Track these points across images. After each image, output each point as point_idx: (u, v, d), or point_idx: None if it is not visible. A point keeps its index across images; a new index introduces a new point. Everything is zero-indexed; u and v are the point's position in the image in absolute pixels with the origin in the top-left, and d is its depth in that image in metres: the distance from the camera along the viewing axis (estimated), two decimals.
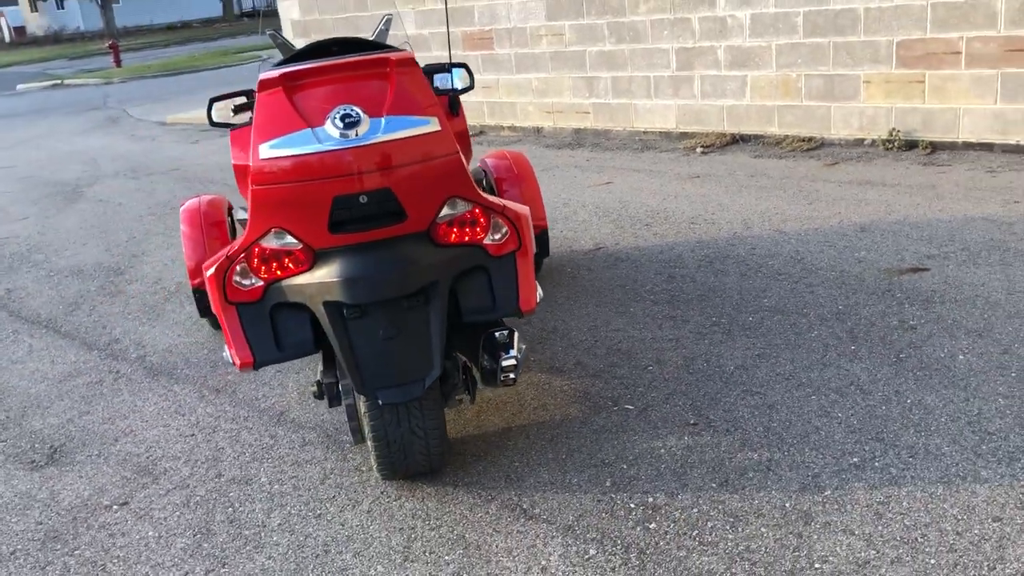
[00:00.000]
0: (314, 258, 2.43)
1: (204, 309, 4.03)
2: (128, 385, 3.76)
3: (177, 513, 2.76)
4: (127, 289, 5.05)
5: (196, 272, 3.94)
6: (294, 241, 2.42)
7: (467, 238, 2.56)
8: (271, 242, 2.47)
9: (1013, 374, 2.91)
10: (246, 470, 2.96)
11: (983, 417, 2.68)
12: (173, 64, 22.82)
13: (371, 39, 3.87)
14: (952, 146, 5.81)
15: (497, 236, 2.62)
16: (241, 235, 2.60)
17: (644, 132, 7.35)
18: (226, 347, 2.61)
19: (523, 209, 2.66)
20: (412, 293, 2.44)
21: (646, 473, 2.63)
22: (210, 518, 2.71)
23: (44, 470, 3.13)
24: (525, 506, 2.55)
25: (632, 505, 2.49)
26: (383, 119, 2.32)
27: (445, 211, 2.49)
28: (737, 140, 6.77)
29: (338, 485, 2.80)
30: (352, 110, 2.31)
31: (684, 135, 7.07)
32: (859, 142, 6.21)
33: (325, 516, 2.64)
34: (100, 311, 4.73)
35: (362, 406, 2.52)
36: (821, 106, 6.31)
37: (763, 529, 2.31)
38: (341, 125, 2.29)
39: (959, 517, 2.25)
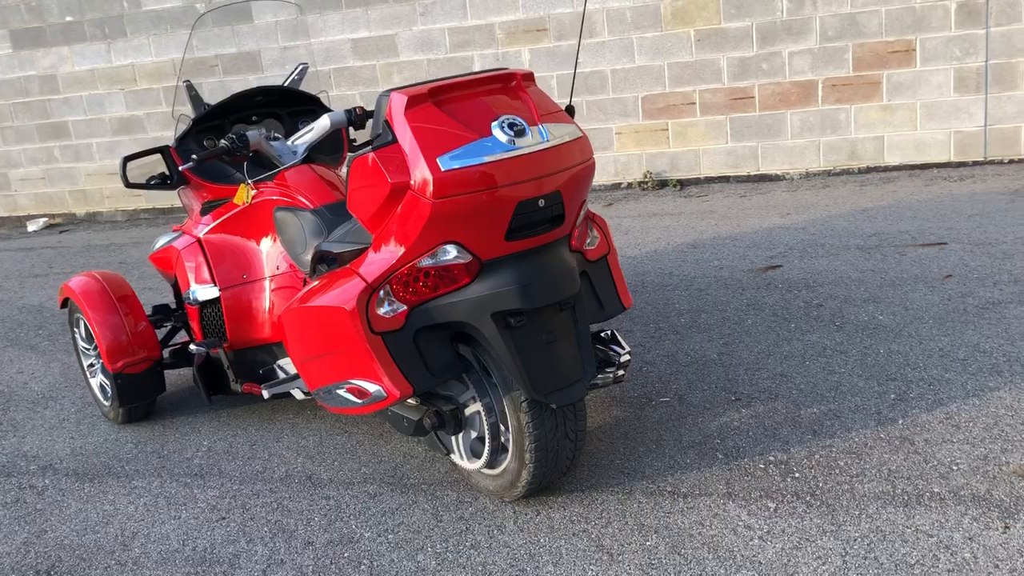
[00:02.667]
0: (479, 270, 2.40)
1: (130, 395, 3.53)
2: (68, 495, 3.17)
3: None
4: None
5: (117, 355, 3.46)
6: (456, 256, 2.38)
7: (576, 243, 2.69)
8: (425, 261, 2.40)
9: (930, 321, 3.66)
10: (336, 532, 2.71)
11: (946, 351, 3.36)
12: None
13: (285, 87, 3.77)
14: (697, 181, 6.85)
15: (588, 241, 2.78)
16: (366, 259, 2.47)
17: None
18: (353, 385, 2.45)
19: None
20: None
21: (744, 441, 2.91)
22: None
23: None
24: (670, 488, 2.70)
25: (762, 465, 2.76)
26: (540, 126, 2.40)
27: (580, 215, 2.61)
28: None
29: (460, 517, 2.70)
30: (515, 119, 2.37)
31: None
32: (617, 186, 7.05)
33: (482, 545, 2.55)
34: None
35: (523, 417, 2.50)
36: None
37: (886, 455, 2.71)
38: (511, 132, 2.33)
39: (1013, 414, 2.85)
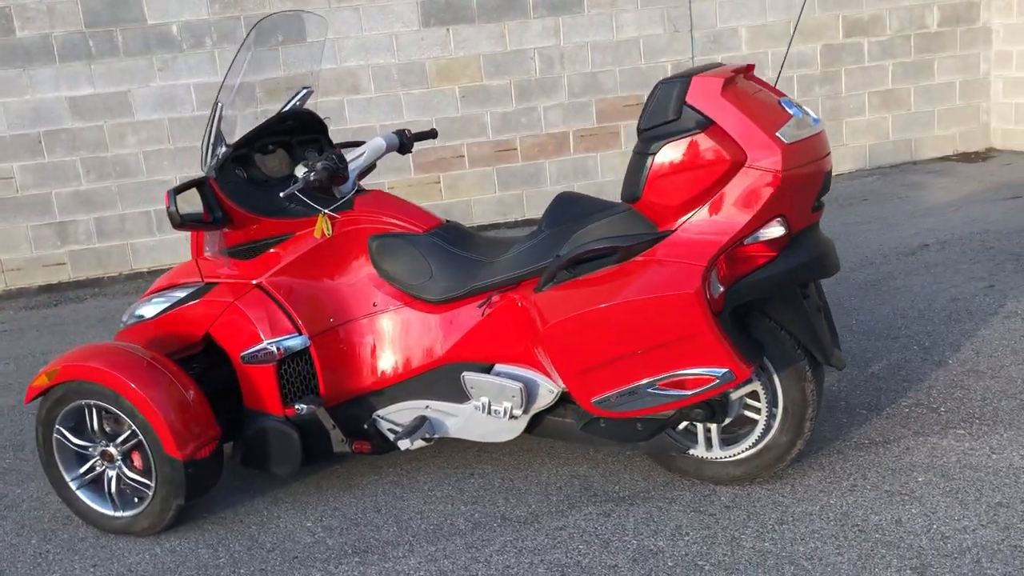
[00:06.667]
0: (787, 244, 2.50)
1: (200, 485, 2.83)
2: None
3: None
4: None
5: (185, 438, 2.78)
6: (777, 230, 2.45)
7: None
8: (747, 239, 2.44)
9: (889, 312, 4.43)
10: (623, 553, 2.54)
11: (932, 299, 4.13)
12: None
13: (289, 111, 3.41)
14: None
15: None
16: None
17: (149, 272, 6.66)
18: (676, 378, 2.40)
19: None
20: None
21: (865, 397, 3.31)
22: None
23: None
24: (866, 441, 2.99)
25: (906, 409, 3.18)
26: (807, 108, 2.60)
27: None
28: None
29: (726, 507, 2.70)
30: (794, 101, 2.54)
31: None
32: None
33: (787, 520, 2.60)
34: None
35: (807, 387, 2.63)
36: None
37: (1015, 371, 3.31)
38: (801, 113, 2.51)
39: None
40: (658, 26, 7.10)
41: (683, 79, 2.43)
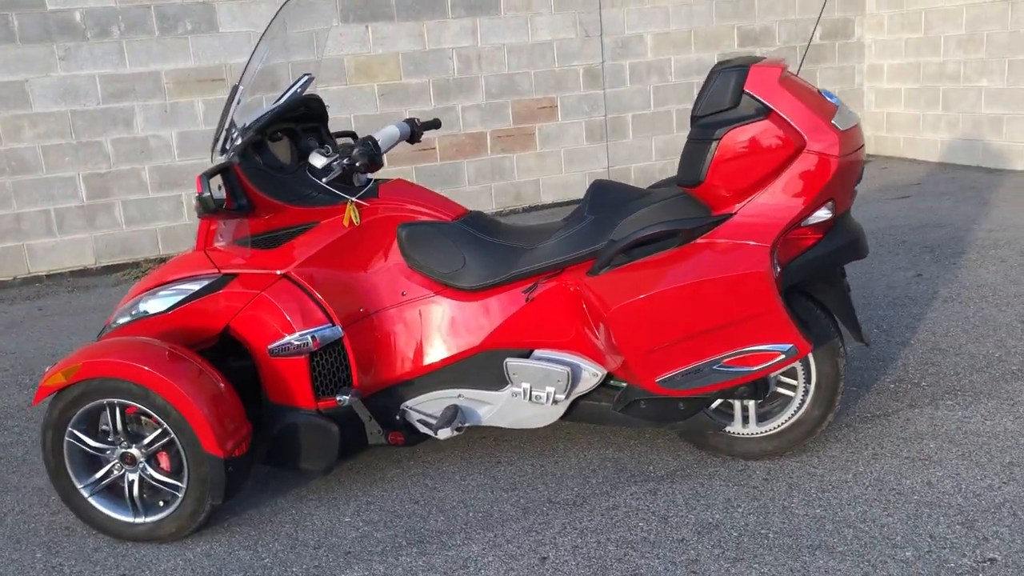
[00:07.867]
0: (830, 227, 2.65)
1: (237, 482, 2.71)
2: None
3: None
4: None
5: (224, 435, 2.66)
6: (826, 212, 2.60)
7: None
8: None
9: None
10: (686, 527, 2.61)
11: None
12: None
13: (289, 97, 3.33)
14: None
15: None
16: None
17: (48, 276, 6.20)
18: (744, 355, 2.51)
19: None
20: None
21: (851, 376, 3.53)
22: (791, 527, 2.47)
23: None
24: (868, 415, 3.20)
25: (891, 385, 3.42)
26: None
27: None
28: None
29: (765, 479, 2.82)
30: (832, 93, 2.70)
31: (109, 269, 6.30)
32: None
33: (827, 487, 2.74)
34: None
35: (841, 362, 2.79)
36: None
37: (970, 346, 3.61)
38: (840, 103, 2.67)
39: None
40: (571, 30, 7.27)
41: (740, 68, 2.54)
